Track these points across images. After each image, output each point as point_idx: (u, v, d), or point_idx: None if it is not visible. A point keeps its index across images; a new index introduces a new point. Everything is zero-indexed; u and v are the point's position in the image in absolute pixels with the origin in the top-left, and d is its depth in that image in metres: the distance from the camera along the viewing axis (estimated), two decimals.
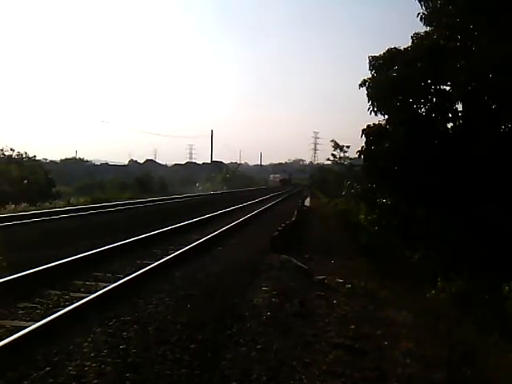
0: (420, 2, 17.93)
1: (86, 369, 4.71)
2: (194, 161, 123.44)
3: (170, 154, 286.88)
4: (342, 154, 62.05)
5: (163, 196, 34.62)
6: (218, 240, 13.76)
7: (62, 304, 6.81)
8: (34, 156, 42.59)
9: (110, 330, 5.79)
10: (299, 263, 11.38)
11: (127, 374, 4.68)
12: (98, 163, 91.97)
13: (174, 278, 8.91)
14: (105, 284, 7.89)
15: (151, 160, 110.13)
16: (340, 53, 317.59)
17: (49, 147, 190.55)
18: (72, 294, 7.41)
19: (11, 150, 39.63)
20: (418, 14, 17.88)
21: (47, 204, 24.29)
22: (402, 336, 7.03)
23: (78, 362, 4.84)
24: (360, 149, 18.46)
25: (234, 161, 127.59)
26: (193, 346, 5.56)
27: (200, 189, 60.44)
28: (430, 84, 17.56)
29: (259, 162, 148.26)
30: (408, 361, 6.03)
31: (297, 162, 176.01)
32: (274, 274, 10.17)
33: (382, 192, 19.03)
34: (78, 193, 39.95)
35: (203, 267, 10.05)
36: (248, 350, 5.66)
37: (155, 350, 5.34)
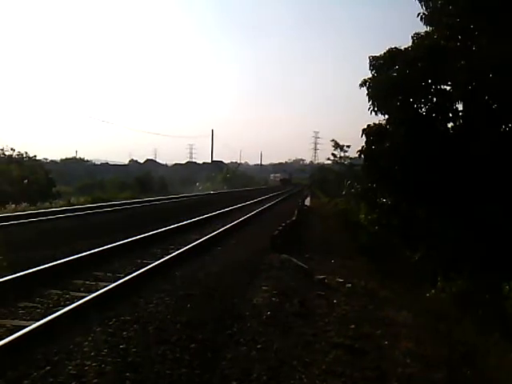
0: (420, 2, 17.92)
1: (86, 368, 4.72)
2: (194, 160, 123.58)
3: (171, 154, 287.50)
4: (342, 154, 62.00)
5: (160, 196, 34.52)
6: (217, 240, 13.75)
7: (62, 303, 6.81)
8: (35, 156, 42.59)
9: (110, 330, 5.79)
10: (299, 263, 11.39)
11: (127, 374, 4.69)
12: (99, 163, 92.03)
13: (174, 277, 8.91)
14: (105, 283, 7.89)
15: (151, 160, 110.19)
16: (340, 53, 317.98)
17: (49, 147, 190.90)
18: (72, 293, 7.41)
19: (11, 149, 39.61)
20: (419, 14, 17.88)
21: (47, 204, 24.26)
22: (402, 336, 7.03)
23: (78, 361, 4.85)
24: (360, 148, 18.46)
25: (234, 160, 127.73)
26: (193, 345, 5.57)
27: (200, 188, 60.42)
28: (431, 84, 17.55)
29: (259, 162, 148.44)
30: (408, 360, 6.04)
31: (297, 161, 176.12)
32: (274, 273, 10.17)
33: (383, 192, 19.02)
34: (78, 192, 39.93)
35: (203, 267, 10.05)
36: (248, 350, 5.66)
37: (155, 349, 5.34)
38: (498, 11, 15.49)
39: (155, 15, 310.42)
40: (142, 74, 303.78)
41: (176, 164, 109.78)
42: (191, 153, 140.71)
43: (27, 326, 5.37)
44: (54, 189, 37.86)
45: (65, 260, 8.95)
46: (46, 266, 8.32)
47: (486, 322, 9.51)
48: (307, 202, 40.20)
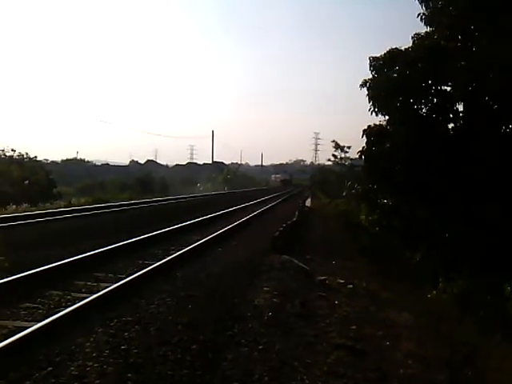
0: (420, 3, 17.93)
1: (88, 369, 4.72)
2: (194, 161, 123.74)
3: (171, 155, 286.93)
4: (342, 155, 61.98)
5: (160, 197, 34.55)
6: (218, 241, 13.74)
7: (63, 304, 6.82)
8: (35, 157, 42.62)
9: (111, 331, 5.80)
10: (300, 264, 11.39)
11: (129, 375, 4.69)
12: (99, 164, 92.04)
13: (175, 278, 8.91)
14: (106, 284, 7.89)
15: (152, 160, 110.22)
16: (341, 53, 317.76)
17: (50, 148, 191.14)
18: (74, 294, 7.42)
19: (12, 150, 39.64)
20: (419, 14, 17.89)
21: (48, 204, 24.29)
22: (404, 337, 7.04)
23: (80, 362, 4.85)
24: (361, 149, 18.46)
25: (234, 161, 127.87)
26: (194, 346, 5.57)
27: (201, 189, 60.43)
28: (431, 84, 17.55)
29: (260, 163, 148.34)
30: (409, 362, 6.04)
31: (298, 162, 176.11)
32: (275, 274, 10.16)
33: (383, 192, 19.02)
34: (78, 193, 39.99)
35: (204, 268, 10.05)
36: (249, 351, 5.66)
37: (157, 350, 5.34)
38: (497, 12, 15.49)
39: (157, 15, 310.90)
40: (143, 75, 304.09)
41: (177, 165, 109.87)
42: (192, 153, 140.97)
43: (29, 327, 5.37)
44: (54, 190, 37.92)
45: (66, 261, 8.95)
46: (47, 266, 8.32)
47: (487, 323, 9.51)
48: (308, 202, 40.23)
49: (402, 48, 17.88)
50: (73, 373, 4.62)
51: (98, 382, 4.51)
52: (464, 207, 15.52)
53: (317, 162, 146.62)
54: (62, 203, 25.88)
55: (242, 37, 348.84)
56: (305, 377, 5.15)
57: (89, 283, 8.18)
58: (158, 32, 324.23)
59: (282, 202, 39.07)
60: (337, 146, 61.87)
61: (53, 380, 4.45)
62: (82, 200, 28.33)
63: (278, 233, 14.27)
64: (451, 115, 17.69)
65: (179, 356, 5.25)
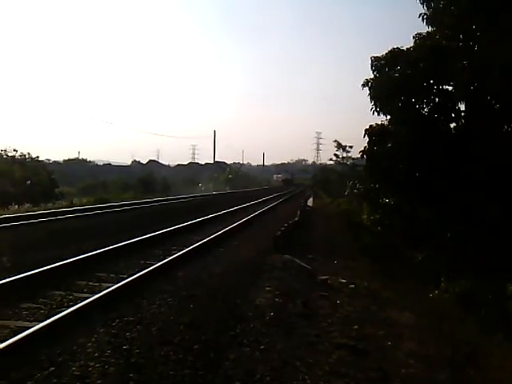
0: (422, 3, 17.92)
1: (90, 369, 4.72)
2: (196, 161, 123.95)
3: (173, 155, 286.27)
4: (344, 154, 62.14)
5: (162, 197, 34.58)
6: (219, 241, 13.74)
7: (65, 304, 6.82)
8: (37, 157, 42.69)
9: (113, 331, 5.80)
10: (302, 263, 11.40)
11: (131, 375, 4.69)
12: (101, 164, 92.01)
13: (177, 278, 8.92)
14: (108, 284, 7.90)
15: (154, 160, 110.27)
16: (342, 53, 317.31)
17: (52, 148, 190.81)
18: (75, 294, 7.43)
19: (14, 150, 39.72)
20: (420, 14, 17.88)
21: (50, 204, 24.32)
22: (405, 336, 7.04)
23: (82, 362, 4.86)
24: (363, 149, 18.45)
25: (236, 161, 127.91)
26: (196, 346, 5.57)
27: (203, 189, 60.43)
28: (433, 84, 17.54)
29: (262, 163, 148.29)
30: (411, 361, 6.04)
31: (299, 162, 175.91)
32: (277, 274, 10.17)
33: (385, 192, 19.02)
34: (80, 193, 40.03)
35: (205, 268, 10.05)
36: (251, 351, 5.66)
37: (158, 350, 5.34)
38: (497, 12, 15.49)
39: (157, 15, 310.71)
40: (145, 75, 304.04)
41: (178, 165, 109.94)
42: (194, 153, 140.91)
43: (31, 327, 5.38)
44: (56, 189, 37.98)
45: (68, 261, 8.96)
46: (49, 266, 8.32)
47: (489, 323, 9.51)
48: (310, 202, 40.26)
49: (404, 48, 17.88)
50: (75, 373, 4.62)
51: (99, 382, 4.51)
52: (464, 207, 15.50)
53: (319, 162, 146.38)
54: (64, 203, 25.90)
55: (243, 37, 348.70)
56: (306, 376, 5.16)
57: (91, 283, 8.19)
58: (158, 32, 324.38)
59: (284, 201, 39.05)
60: (339, 146, 62.03)
61: (55, 380, 4.46)
62: (84, 200, 28.36)
63: (279, 232, 14.28)
64: (453, 115, 17.68)
65: (181, 356, 5.25)
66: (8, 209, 20.79)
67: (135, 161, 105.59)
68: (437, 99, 17.63)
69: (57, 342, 5.27)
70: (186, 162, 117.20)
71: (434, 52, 16.64)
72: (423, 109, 17.94)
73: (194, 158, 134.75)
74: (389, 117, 18.24)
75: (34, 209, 21.25)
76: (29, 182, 34.33)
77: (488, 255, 13.98)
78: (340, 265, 12.74)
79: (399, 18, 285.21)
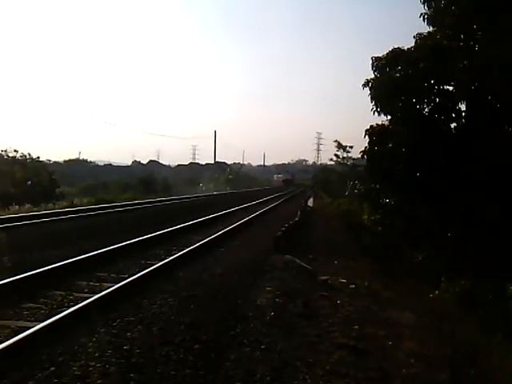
0: (423, 3, 17.92)
1: (91, 369, 4.73)
2: (197, 161, 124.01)
3: (174, 155, 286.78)
4: (345, 155, 62.10)
5: (164, 197, 34.60)
6: (220, 241, 13.74)
7: (66, 304, 6.83)
8: (38, 157, 42.55)
9: (114, 331, 5.80)
10: (303, 263, 11.40)
11: (131, 375, 4.70)
12: (102, 164, 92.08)
13: (178, 278, 8.92)
14: (109, 284, 7.91)
15: (154, 161, 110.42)
16: (343, 53, 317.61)
17: (52, 148, 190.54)
18: (76, 294, 7.43)
19: (15, 151, 39.64)
20: (421, 14, 17.88)
21: (51, 205, 24.32)
22: (406, 336, 7.04)
23: (83, 362, 4.86)
24: (363, 149, 18.45)
25: (237, 161, 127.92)
26: (196, 346, 5.58)
27: (203, 189, 60.47)
28: (433, 84, 17.54)
29: (262, 163, 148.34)
30: (411, 361, 6.04)
31: (300, 162, 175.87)
32: (278, 274, 10.17)
33: (385, 192, 19.01)
34: (81, 194, 40.05)
35: (206, 268, 10.06)
36: (252, 351, 5.67)
37: (159, 350, 5.35)
38: (498, 11, 15.49)
39: (157, 16, 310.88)
40: (145, 75, 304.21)
41: (179, 165, 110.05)
42: (194, 154, 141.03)
43: (31, 327, 5.39)
44: (57, 190, 37.99)
45: (69, 261, 8.96)
46: (50, 267, 8.33)
47: (489, 323, 9.51)
48: (310, 202, 40.25)
49: (405, 48, 17.88)
50: (75, 373, 4.63)
51: (100, 382, 4.51)
52: (464, 207, 15.50)
53: (319, 162, 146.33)
54: (65, 204, 25.90)
55: (243, 37, 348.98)
56: (307, 376, 5.16)
57: (91, 283, 8.20)
58: (158, 32, 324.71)
59: (284, 201, 39.05)
60: (339, 146, 62.00)
61: (55, 380, 4.46)
62: (85, 200, 28.36)
63: (280, 233, 14.28)
64: (453, 115, 17.68)
65: (182, 356, 5.26)
66: (9, 209, 20.77)
67: (136, 161, 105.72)
68: (437, 99, 17.63)
69: (57, 341, 5.28)
70: (186, 163, 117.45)
71: (435, 52, 16.64)
72: (424, 109, 17.94)
73: (194, 159, 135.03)
74: (389, 117, 18.24)
75: (34, 209, 21.23)
76: (29, 182, 34.35)
77: (488, 255, 13.98)
78: (340, 265, 12.73)
79: (399, 17, 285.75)
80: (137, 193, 39.42)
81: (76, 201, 28.09)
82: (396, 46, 17.96)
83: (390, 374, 5.54)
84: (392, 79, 17.59)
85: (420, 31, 18.17)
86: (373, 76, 18.12)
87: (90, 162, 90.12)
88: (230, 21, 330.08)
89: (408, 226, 17.86)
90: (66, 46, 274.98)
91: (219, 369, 5.11)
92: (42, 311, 6.51)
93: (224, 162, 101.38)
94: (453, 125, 17.96)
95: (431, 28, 18.18)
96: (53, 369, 4.66)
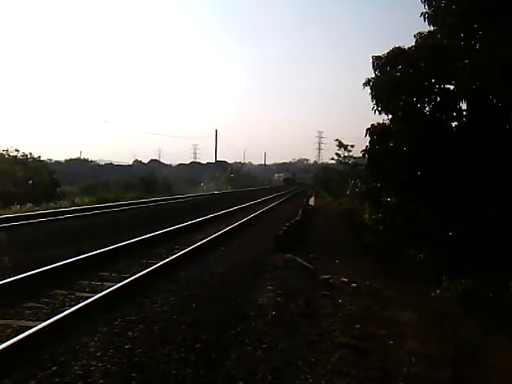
0: (423, 2, 17.90)
1: (92, 368, 4.73)
2: (198, 161, 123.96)
3: (175, 154, 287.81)
4: (346, 154, 61.92)
5: (166, 196, 34.62)
6: (221, 240, 13.74)
7: (67, 304, 6.84)
8: (39, 156, 42.55)
9: (115, 330, 5.81)
10: (304, 262, 11.40)
11: (133, 374, 4.70)
12: (103, 163, 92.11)
13: (179, 277, 8.92)
14: (110, 283, 7.91)
15: (155, 160, 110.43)
16: (343, 52, 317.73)
17: (53, 148, 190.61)
18: (78, 293, 7.44)
19: (16, 150, 39.61)
20: (422, 13, 17.86)
21: (52, 204, 24.33)
22: (407, 335, 7.04)
23: (84, 361, 4.87)
24: (364, 148, 18.43)
25: (238, 160, 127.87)
26: (198, 345, 5.58)
27: (205, 188, 60.47)
28: (434, 83, 17.52)
29: (263, 162, 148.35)
30: (413, 360, 6.04)
31: (301, 161, 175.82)
32: (279, 273, 10.17)
33: (387, 191, 18.99)
34: (82, 193, 40.03)
35: (207, 267, 10.06)
36: (253, 350, 5.67)
37: (160, 349, 5.35)
38: (498, 11, 15.47)
39: (157, 15, 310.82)
40: (146, 75, 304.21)
41: (180, 164, 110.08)
42: (195, 153, 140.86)
43: (33, 327, 5.39)
44: (58, 189, 37.98)
45: (70, 260, 8.96)
46: (51, 266, 8.34)
47: (491, 322, 9.50)
48: (311, 201, 40.24)
49: (405, 47, 17.86)
50: (77, 372, 4.63)
51: (102, 381, 4.52)
52: (464, 207, 15.49)
53: (320, 161, 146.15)
54: (66, 203, 25.91)
55: (243, 37, 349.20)
56: (308, 376, 5.16)
57: (93, 282, 8.20)
58: (159, 32, 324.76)
59: (285, 200, 39.06)
60: (340, 145, 61.82)
61: (57, 379, 4.47)
62: (86, 200, 28.36)
63: (281, 232, 14.28)
64: (454, 114, 17.66)
65: (183, 355, 5.26)
66: (10, 209, 20.77)
67: (137, 160, 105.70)
68: (438, 98, 17.61)
69: (59, 341, 5.28)
70: (187, 162, 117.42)
71: (436, 51, 16.61)
72: (425, 108, 17.92)
73: (195, 158, 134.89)
74: (390, 116, 18.21)
75: (36, 208, 21.23)
76: (31, 181, 34.33)
77: (488, 255, 13.97)
78: (342, 264, 12.74)
79: (400, 17, 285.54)
80: (139, 192, 39.39)
81: (77, 200, 28.08)
82: (396, 46, 17.97)
83: (392, 374, 5.54)
84: (393, 78, 17.58)
85: (421, 30, 18.17)
86: (373, 75, 18.12)
87: (91, 161, 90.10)
88: (230, 21, 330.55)
89: (409, 225, 17.84)
90: (67, 45, 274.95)
91: (220, 368, 5.12)
92: (44, 310, 6.51)
93: (225, 161, 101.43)
94: (454, 124, 17.95)
95: (432, 27, 18.17)
96: (55, 368, 4.66)
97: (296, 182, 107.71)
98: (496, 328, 8.83)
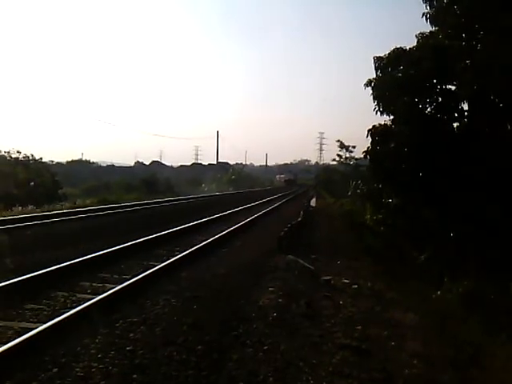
0: (425, 2, 17.91)
1: (94, 370, 4.74)
2: (199, 162, 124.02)
3: (176, 156, 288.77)
4: (347, 154, 61.97)
5: (168, 197, 34.64)
6: (222, 241, 13.73)
7: (68, 305, 6.84)
8: (41, 158, 42.53)
9: (116, 332, 5.81)
10: (305, 264, 11.37)
11: (134, 375, 4.70)
12: (104, 165, 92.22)
13: (180, 278, 8.92)
14: (111, 285, 7.91)
15: (157, 161, 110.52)
16: (345, 53, 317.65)
17: (55, 149, 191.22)
18: (79, 295, 7.44)
19: (18, 152, 39.66)
20: (423, 13, 17.86)
21: (57, 206, 24.35)
22: (409, 337, 7.03)
23: (86, 363, 4.87)
24: (366, 149, 18.42)
25: (239, 162, 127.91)
26: (199, 347, 5.58)
27: (206, 189, 60.50)
28: (436, 84, 17.52)
29: (265, 163, 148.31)
30: (414, 361, 6.03)
31: (302, 162, 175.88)
32: (280, 274, 10.16)
33: (388, 192, 18.97)
34: (84, 194, 40.09)
35: (209, 268, 10.06)
36: (255, 351, 5.66)
37: (162, 351, 5.35)
38: (499, 11, 15.46)
39: (160, 17, 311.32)
40: (147, 77, 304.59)
41: (181, 165, 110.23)
42: (197, 154, 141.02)
43: (34, 328, 5.39)
44: (60, 191, 38.04)
45: (71, 262, 8.97)
46: (52, 268, 8.33)
47: (492, 323, 9.48)
48: (313, 202, 40.19)
49: (407, 47, 17.86)
50: (78, 374, 4.64)
51: (103, 383, 4.52)
52: (465, 207, 15.47)
53: (321, 162, 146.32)
54: (68, 204, 25.93)
55: (245, 38, 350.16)
56: (310, 377, 5.15)
57: (94, 284, 8.20)
58: (161, 34, 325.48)
59: (287, 202, 39.07)
60: (342, 146, 61.88)
61: (58, 381, 4.47)
62: (88, 201, 28.39)
63: (282, 233, 14.27)
64: (456, 114, 17.65)
65: (184, 356, 5.26)
66: (12, 210, 20.78)
67: (138, 162, 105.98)
68: (440, 99, 17.61)
69: (60, 342, 5.29)
70: (189, 163, 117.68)
71: (437, 51, 16.61)
72: (426, 108, 17.92)
73: (197, 159, 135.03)
74: (392, 117, 18.21)
75: (37, 210, 21.23)
76: (32, 183, 34.38)
77: (490, 255, 13.95)
78: (343, 265, 12.71)
79: (401, 17, 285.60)
80: (141, 193, 39.43)
81: (79, 202, 28.10)
82: (398, 46, 17.97)
83: (393, 375, 5.52)
84: (394, 79, 17.58)
85: (422, 31, 18.17)
86: (375, 76, 18.12)
87: (93, 162, 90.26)
88: (231, 22, 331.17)
89: (410, 226, 17.82)
90: (69, 47, 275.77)
91: (222, 369, 5.11)
92: (45, 312, 6.51)
93: (226, 163, 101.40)
94: (455, 124, 17.94)
95: (433, 27, 18.17)
96: (56, 370, 4.67)
97: (297, 183, 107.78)
98: (497, 329, 8.81)
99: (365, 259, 14.58)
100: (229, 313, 7.08)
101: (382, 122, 18.33)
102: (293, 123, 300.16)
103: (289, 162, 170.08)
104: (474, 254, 14.41)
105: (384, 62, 17.94)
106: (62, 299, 7.20)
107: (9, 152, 39.14)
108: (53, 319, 5.75)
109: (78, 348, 5.21)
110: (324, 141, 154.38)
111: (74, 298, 7.24)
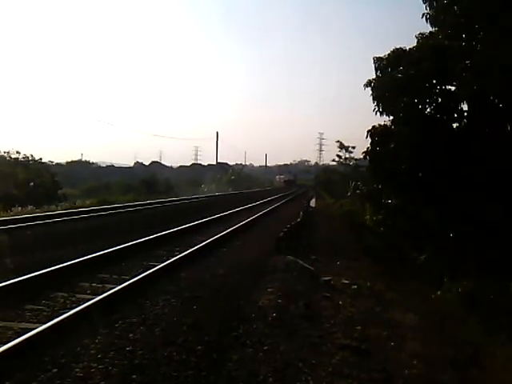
0: (425, 3, 17.91)
1: (93, 370, 4.73)
2: (199, 162, 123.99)
3: (176, 156, 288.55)
4: (347, 155, 62.05)
5: (168, 198, 34.64)
6: (222, 241, 13.72)
7: (68, 306, 6.83)
8: (40, 158, 42.56)
9: (116, 332, 5.80)
10: (305, 264, 11.37)
11: (134, 376, 4.70)
12: (104, 165, 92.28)
13: (180, 279, 8.92)
14: (111, 285, 7.90)
15: (157, 162, 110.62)
16: (345, 53, 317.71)
17: (55, 150, 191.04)
18: (78, 295, 7.43)
19: (17, 152, 39.68)
20: (423, 14, 17.87)
21: (53, 207, 24.32)
22: (408, 337, 7.03)
23: (85, 363, 4.86)
24: (365, 149, 18.44)
25: (239, 162, 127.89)
26: (199, 347, 5.57)
27: (205, 190, 60.46)
28: (435, 84, 17.54)
29: (264, 164, 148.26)
30: (414, 362, 6.03)
31: (302, 162, 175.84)
32: (280, 275, 10.15)
33: (388, 192, 18.99)
34: (84, 195, 40.09)
35: (208, 268, 10.05)
36: (254, 352, 5.66)
37: (161, 351, 5.35)
38: (499, 11, 15.47)
39: (160, 17, 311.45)
40: (147, 77, 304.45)
41: (181, 166, 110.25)
42: (196, 155, 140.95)
43: (34, 329, 5.39)
44: (59, 191, 38.05)
45: (70, 262, 8.95)
46: (52, 268, 8.32)
47: (492, 323, 9.48)
48: (312, 203, 40.22)
49: (407, 48, 17.87)
50: (78, 374, 4.63)
51: (102, 383, 4.52)
52: (465, 208, 15.47)
53: (321, 163, 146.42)
54: (67, 205, 25.91)
55: (245, 38, 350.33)
56: (309, 377, 5.15)
57: (94, 284, 8.19)
58: (161, 34, 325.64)
59: (286, 202, 39.06)
60: (341, 147, 61.97)
61: (58, 381, 4.46)
62: (87, 202, 28.38)
63: (282, 233, 14.27)
64: (456, 115, 17.66)
65: (184, 357, 5.26)
66: (11, 211, 20.76)
67: (138, 162, 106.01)
68: (440, 99, 17.62)
69: (60, 343, 5.28)
70: (188, 164, 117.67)
71: (437, 52, 16.62)
72: (426, 109, 17.94)
73: (196, 160, 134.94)
74: (391, 117, 18.22)
75: (37, 211, 21.20)
76: (32, 183, 34.40)
77: (490, 256, 13.95)
78: (343, 265, 12.71)
79: (401, 18, 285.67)
80: (140, 194, 39.40)
81: (78, 202, 28.09)
82: (398, 47, 17.98)
83: (393, 375, 5.52)
84: (394, 79, 17.59)
85: (422, 31, 18.19)
86: (374, 76, 18.12)
87: (93, 163, 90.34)
88: (231, 22, 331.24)
89: (410, 227, 17.83)
90: (68, 47, 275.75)
91: (222, 369, 5.11)
92: (45, 313, 6.50)
93: (226, 163, 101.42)
94: (455, 125, 17.95)
95: (433, 28, 18.18)
96: (55, 370, 4.66)
97: (297, 183, 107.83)
98: (497, 329, 8.81)
99: (364, 259, 14.59)
100: (228, 313, 7.08)
101: (382, 123, 18.36)
102: (293, 123, 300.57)
103: (288, 163, 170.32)
104: (473, 254, 14.42)
105: (384, 62, 17.96)
106: (62, 300, 7.18)
107: (8, 152, 39.22)
108: (52, 320, 5.75)
109: (78, 348, 5.20)
110: (324, 141, 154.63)
111: (73, 299, 7.23)
